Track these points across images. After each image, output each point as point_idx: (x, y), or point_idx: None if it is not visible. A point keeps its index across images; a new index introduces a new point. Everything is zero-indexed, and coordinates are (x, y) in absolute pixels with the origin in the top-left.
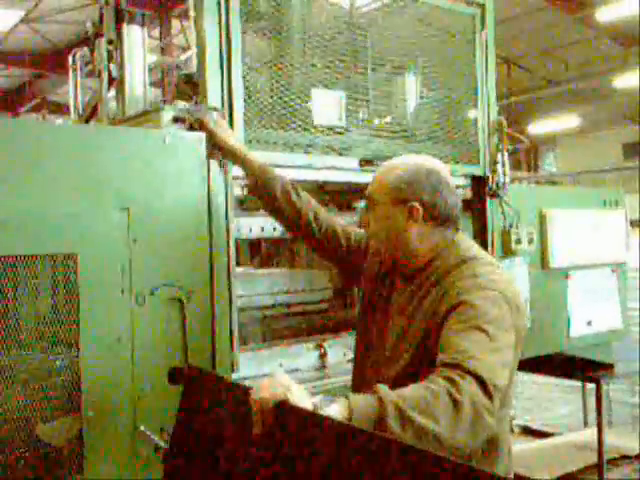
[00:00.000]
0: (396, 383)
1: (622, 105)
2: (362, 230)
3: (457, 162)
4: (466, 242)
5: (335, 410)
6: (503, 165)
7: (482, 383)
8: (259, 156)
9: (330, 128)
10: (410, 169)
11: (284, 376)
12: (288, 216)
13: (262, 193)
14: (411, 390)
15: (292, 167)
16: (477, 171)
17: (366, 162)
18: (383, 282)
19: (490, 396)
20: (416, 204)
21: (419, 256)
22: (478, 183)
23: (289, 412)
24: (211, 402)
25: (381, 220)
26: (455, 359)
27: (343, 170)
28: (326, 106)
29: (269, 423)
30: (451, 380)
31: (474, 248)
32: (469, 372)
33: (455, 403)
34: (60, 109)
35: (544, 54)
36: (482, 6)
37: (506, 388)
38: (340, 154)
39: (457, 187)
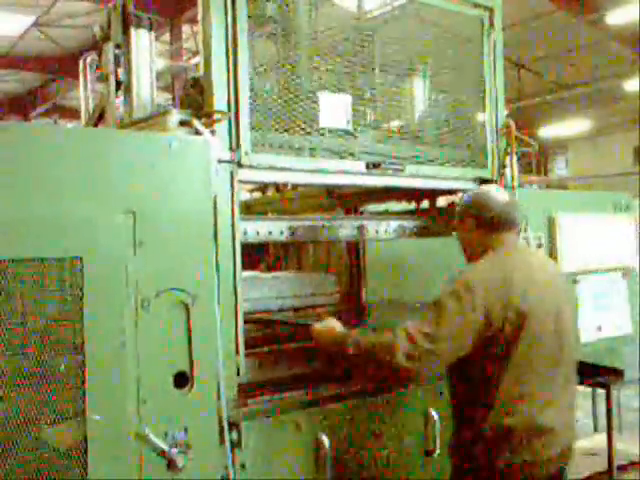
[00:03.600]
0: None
1: (633, 109)
2: None
3: (465, 165)
4: (504, 242)
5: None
6: (511, 168)
7: (409, 334)
8: (264, 160)
9: (337, 131)
10: (466, 196)
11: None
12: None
13: None
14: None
15: (298, 171)
16: (485, 174)
17: (373, 165)
18: None
19: (413, 342)
20: (469, 219)
21: (474, 253)
22: None
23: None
24: None
25: (458, 237)
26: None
27: (350, 174)
28: (333, 109)
29: None
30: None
31: (501, 247)
32: (405, 329)
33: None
34: (71, 113)
35: (554, 58)
36: (490, 9)
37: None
38: (347, 157)
39: (463, 191)
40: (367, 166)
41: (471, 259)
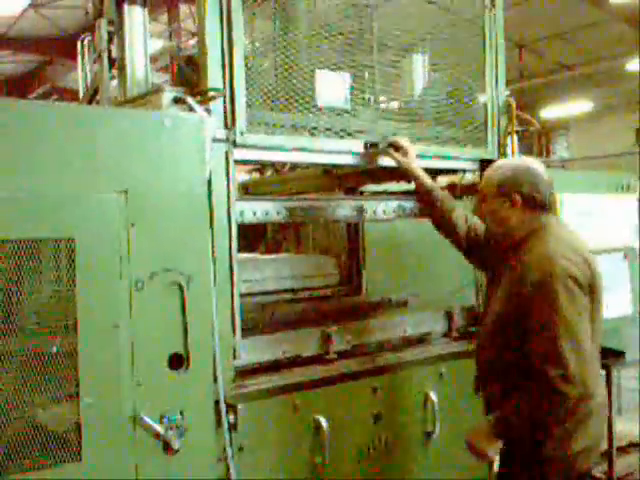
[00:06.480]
0: (489, 367)
1: (635, 89)
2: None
3: (464, 145)
4: (553, 222)
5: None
6: (512, 148)
7: (562, 375)
8: (260, 139)
9: (335, 110)
10: (512, 167)
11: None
12: (447, 230)
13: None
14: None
15: (296, 150)
16: (485, 154)
17: (371, 145)
18: (498, 263)
19: (567, 370)
20: (516, 196)
21: (515, 235)
22: (486, 166)
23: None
24: None
25: (490, 209)
26: (541, 367)
27: (348, 153)
28: (331, 88)
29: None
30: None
31: (552, 226)
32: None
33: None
34: (70, 95)
35: (556, 38)
36: None
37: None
38: (345, 137)
39: (464, 171)
40: (365, 145)
41: (512, 240)
